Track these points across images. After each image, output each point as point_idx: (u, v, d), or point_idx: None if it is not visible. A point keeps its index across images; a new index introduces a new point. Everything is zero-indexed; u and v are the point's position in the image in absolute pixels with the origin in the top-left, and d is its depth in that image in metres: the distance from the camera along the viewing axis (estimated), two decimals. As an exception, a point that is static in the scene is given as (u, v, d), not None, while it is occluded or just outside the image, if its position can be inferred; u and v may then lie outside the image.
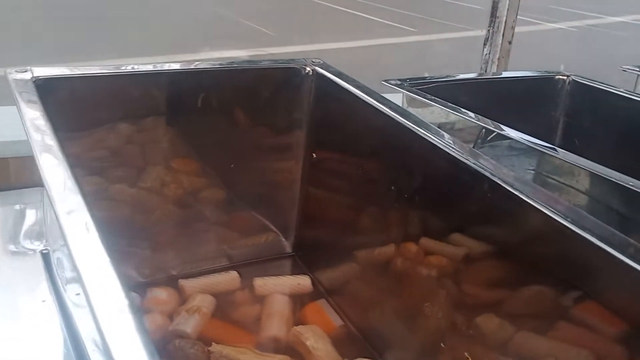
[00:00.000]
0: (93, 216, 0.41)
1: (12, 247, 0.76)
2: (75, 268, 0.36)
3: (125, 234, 0.77)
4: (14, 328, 0.64)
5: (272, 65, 0.78)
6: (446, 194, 0.61)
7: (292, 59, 0.78)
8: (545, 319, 0.52)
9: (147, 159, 0.78)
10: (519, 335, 0.54)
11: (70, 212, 0.41)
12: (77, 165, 0.72)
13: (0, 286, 0.69)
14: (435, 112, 0.84)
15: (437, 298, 0.62)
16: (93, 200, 0.73)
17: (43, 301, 0.66)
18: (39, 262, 0.73)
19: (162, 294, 0.74)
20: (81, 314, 0.56)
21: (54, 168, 0.45)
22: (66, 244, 0.38)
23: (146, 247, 0.79)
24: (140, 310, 0.34)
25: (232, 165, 0.78)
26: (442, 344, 0.60)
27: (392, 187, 0.67)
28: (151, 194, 0.78)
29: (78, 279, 0.35)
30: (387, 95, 0.72)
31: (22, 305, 0.66)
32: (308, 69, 0.77)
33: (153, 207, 0.78)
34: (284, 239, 0.86)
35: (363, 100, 0.71)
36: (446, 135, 0.61)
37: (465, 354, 0.57)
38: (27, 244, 0.77)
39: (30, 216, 0.84)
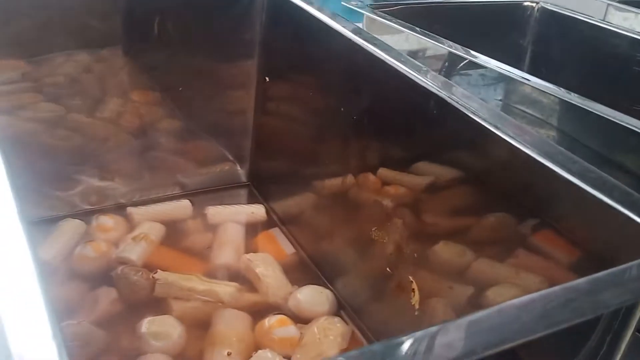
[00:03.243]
0: None
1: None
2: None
3: (75, 162, 0.74)
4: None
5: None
6: (408, 122, 0.59)
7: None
8: (505, 246, 0.51)
9: (105, 89, 0.75)
10: (478, 262, 0.53)
11: None
12: (34, 90, 0.70)
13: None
14: (397, 38, 0.81)
15: (389, 225, 0.60)
16: (47, 128, 0.72)
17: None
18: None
19: (108, 222, 0.71)
20: None
21: None
22: None
23: (95, 175, 0.76)
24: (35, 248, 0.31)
25: (180, 89, 0.75)
26: (388, 269, 0.58)
27: (356, 118, 0.64)
28: (107, 123, 0.75)
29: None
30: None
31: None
32: (259, -16, 0.73)
33: (108, 136, 0.76)
34: (239, 169, 0.84)
35: (319, 21, 0.67)
36: (408, 59, 0.58)
37: (410, 277, 0.55)
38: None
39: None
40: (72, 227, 0.70)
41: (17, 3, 0.65)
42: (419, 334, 0.28)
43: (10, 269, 0.29)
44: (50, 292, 0.29)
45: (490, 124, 0.49)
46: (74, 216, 0.72)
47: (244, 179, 0.85)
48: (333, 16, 0.66)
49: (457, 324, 0.29)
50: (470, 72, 0.84)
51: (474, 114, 0.50)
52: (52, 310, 0.28)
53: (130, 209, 0.75)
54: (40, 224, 0.70)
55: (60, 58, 0.70)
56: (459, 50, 0.78)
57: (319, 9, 0.68)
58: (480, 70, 0.83)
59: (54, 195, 0.73)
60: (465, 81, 0.85)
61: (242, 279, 0.67)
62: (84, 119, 0.74)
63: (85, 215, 0.73)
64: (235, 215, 0.76)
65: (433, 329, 0.29)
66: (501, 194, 0.50)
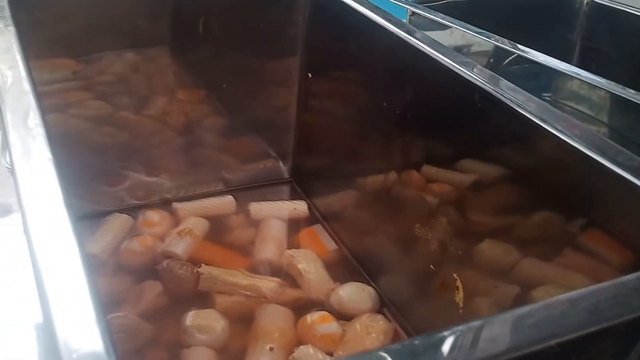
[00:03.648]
0: (49, 139, 0.38)
1: None
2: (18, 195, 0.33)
3: (123, 158, 0.76)
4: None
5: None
6: (453, 118, 0.58)
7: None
8: (552, 245, 0.49)
9: (152, 88, 0.76)
10: (525, 261, 0.52)
11: (22, 132, 0.38)
12: (84, 88, 0.72)
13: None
14: (443, 32, 0.80)
15: (435, 223, 0.60)
16: (96, 125, 0.74)
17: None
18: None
19: (154, 216, 0.73)
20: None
21: (11, 85, 0.42)
22: (13, 168, 0.35)
23: (142, 170, 0.77)
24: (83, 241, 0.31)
25: (224, 86, 0.76)
26: (432, 267, 0.58)
27: (399, 114, 0.63)
28: (154, 121, 0.77)
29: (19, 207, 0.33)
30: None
31: None
32: (303, -19, 0.73)
33: (154, 133, 0.77)
34: (282, 165, 0.84)
35: (362, 16, 0.66)
36: (455, 54, 0.57)
37: (454, 275, 0.55)
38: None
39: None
40: (119, 221, 0.72)
41: (69, 4, 0.66)
42: (462, 327, 0.28)
43: (59, 263, 0.30)
44: (98, 284, 0.29)
45: (537, 117, 0.47)
46: (121, 211, 0.74)
47: (286, 175, 0.85)
48: (377, 11, 0.66)
49: (502, 318, 0.29)
50: (516, 67, 0.82)
51: (521, 107, 0.48)
52: (99, 303, 0.28)
53: (175, 204, 0.76)
54: (89, 218, 0.72)
55: (109, 57, 0.71)
56: (505, 45, 0.77)
57: (363, 4, 0.67)
58: (527, 65, 0.81)
59: (102, 191, 0.75)
60: (511, 76, 0.83)
61: (284, 274, 0.68)
62: (131, 116, 0.76)
63: (132, 210, 0.74)
64: (277, 211, 0.77)
65: (476, 322, 0.28)
66: (548, 191, 0.49)
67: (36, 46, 0.63)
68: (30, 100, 0.40)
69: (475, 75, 0.53)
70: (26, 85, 0.41)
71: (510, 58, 0.81)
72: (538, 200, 0.50)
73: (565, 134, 0.45)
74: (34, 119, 0.39)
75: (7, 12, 0.54)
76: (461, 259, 0.56)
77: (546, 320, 0.28)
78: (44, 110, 0.41)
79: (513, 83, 0.53)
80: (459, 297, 0.55)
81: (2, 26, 0.51)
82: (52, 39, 0.66)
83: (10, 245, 0.68)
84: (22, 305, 0.60)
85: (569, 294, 0.30)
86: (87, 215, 0.72)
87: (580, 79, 0.70)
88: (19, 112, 0.39)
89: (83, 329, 0.26)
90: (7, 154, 0.79)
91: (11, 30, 0.50)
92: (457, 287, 0.55)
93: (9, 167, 0.79)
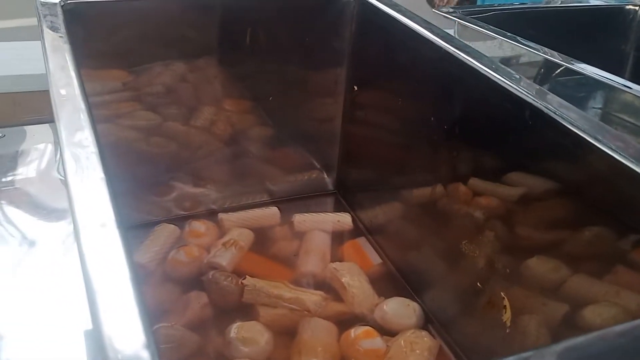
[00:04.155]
0: (101, 152, 0.39)
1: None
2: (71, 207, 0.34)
3: (170, 169, 0.77)
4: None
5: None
6: (500, 132, 0.57)
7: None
8: (603, 262, 0.48)
9: (199, 98, 0.77)
10: (574, 278, 0.50)
11: (75, 148, 0.38)
12: (134, 99, 0.73)
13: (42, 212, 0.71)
14: (490, 44, 0.79)
15: (480, 238, 0.59)
16: (145, 136, 0.75)
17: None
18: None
19: (200, 227, 0.74)
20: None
21: (65, 102, 0.43)
22: (66, 181, 0.36)
23: (189, 181, 0.79)
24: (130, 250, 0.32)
25: (270, 98, 0.76)
26: (478, 284, 0.57)
27: (447, 127, 0.63)
28: (201, 131, 0.78)
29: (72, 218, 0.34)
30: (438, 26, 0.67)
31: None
32: (350, -6, 0.72)
33: (201, 144, 0.78)
34: (326, 177, 0.84)
35: (409, 29, 0.66)
36: (503, 68, 0.56)
37: (502, 294, 0.54)
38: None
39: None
40: (167, 232, 0.73)
41: (121, 16, 0.68)
42: (511, 359, 0.27)
43: (108, 272, 0.30)
44: (145, 294, 0.30)
45: (590, 135, 0.46)
46: (168, 221, 0.75)
47: (330, 187, 0.85)
48: (424, 24, 0.65)
49: (553, 350, 0.28)
50: (566, 79, 0.81)
51: (572, 124, 0.47)
52: (146, 313, 0.28)
53: (221, 215, 0.77)
54: (137, 228, 0.73)
55: (158, 68, 0.72)
56: (554, 57, 0.75)
57: (410, 17, 0.67)
58: (578, 78, 0.80)
59: (150, 201, 0.76)
60: (561, 89, 0.81)
61: (328, 287, 0.67)
62: (179, 127, 0.77)
63: (179, 221, 0.75)
64: (321, 223, 0.77)
65: (526, 354, 0.27)
66: (599, 207, 0.48)
67: (89, 58, 0.65)
68: (84, 118, 0.41)
69: (524, 90, 0.52)
70: (80, 104, 0.42)
71: (560, 70, 0.79)
72: (588, 216, 0.48)
73: (620, 154, 0.43)
74: (87, 136, 0.40)
75: (62, 28, 0.56)
76: (508, 276, 0.55)
77: (600, 355, 0.27)
78: (95, 122, 0.42)
79: (563, 95, 0.52)
80: (506, 316, 0.54)
81: (58, 43, 0.52)
82: (103, 50, 0.68)
83: (62, 252, 0.70)
84: (71, 312, 0.61)
85: (625, 324, 0.29)
86: (135, 225, 0.74)
87: (632, 93, 0.68)
88: (73, 130, 0.40)
89: (130, 338, 0.27)
90: (61, 166, 0.82)
91: (66, 47, 0.51)
92: (505, 306, 0.54)
93: (62, 178, 0.82)
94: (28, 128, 0.93)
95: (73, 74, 0.48)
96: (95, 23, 0.66)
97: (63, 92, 0.44)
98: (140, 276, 0.37)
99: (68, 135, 0.39)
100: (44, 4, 0.58)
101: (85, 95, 0.45)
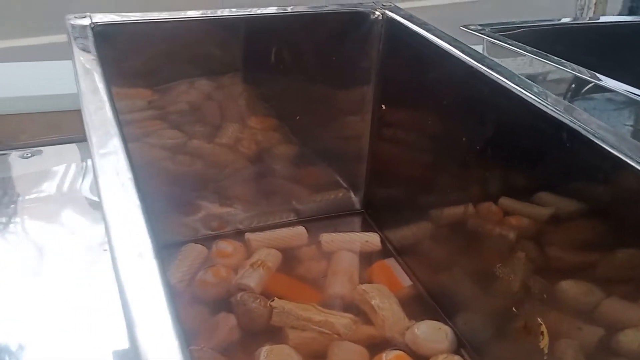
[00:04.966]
0: (135, 178, 0.39)
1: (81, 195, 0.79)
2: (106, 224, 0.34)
3: (197, 188, 0.77)
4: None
5: (337, 10, 0.74)
6: (531, 151, 0.56)
7: (359, 2, 0.73)
8: (637, 285, 0.47)
9: (224, 116, 0.77)
10: (608, 302, 0.49)
11: (110, 176, 0.38)
12: (159, 117, 0.74)
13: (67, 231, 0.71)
14: (519, 61, 0.78)
15: (513, 260, 0.58)
16: (171, 154, 0.75)
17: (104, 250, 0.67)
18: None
19: (227, 247, 0.73)
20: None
21: (97, 121, 0.43)
22: (101, 200, 0.36)
23: (215, 200, 0.78)
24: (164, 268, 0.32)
25: (297, 117, 0.76)
26: (513, 309, 0.55)
27: (479, 147, 0.62)
28: (226, 149, 0.78)
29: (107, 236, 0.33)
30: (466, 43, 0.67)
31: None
32: (377, 12, 0.72)
33: (226, 162, 0.78)
34: (353, 196, 0.84)
35: (438, 47, 0.65)
36: (534, 86, 0.55)
37: (539, 319, 0.52)
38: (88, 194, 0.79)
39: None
40: (195, 252, 0.72)
41: (149, 36, 0.68)
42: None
43: (144, 294, 0.30)
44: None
45: (626, 155, 0.45)
46: (196, 241, 0.74)
47: (358, 206, 0.84)
48: (453, 42, 0.65)
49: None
50: (596, 96, 0.79)
51: (608, 144, 0.46)
52: (182, 334, 0.28)
53: (248, 235, 0.76)
54: (166, 248, 0.73)
55: (183, 86, 0.73)
56: (583, 74, 0.74)
57: (439, 36, 0.66)
58: (608, 94, 0.78)
59: (178, 221, 0.76)
60: (591, 105, 0.80)
61: (357, 309, 0.66)
62: (204, 145, 0.77)
63: (206, 241, 0.75)
64: (349, 243, 0.76)
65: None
66: (634, 228, 0.46)
67: (117, 77, 0.65)
68: (117, 143, 0.41)
69: (554, 108, 0.51)
70: (113, 128, 0.42)
71: (590, 86, 0.78)
72: (622, 237, 0.47)
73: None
74: (121, 161, 0.40)
75: (93, 50, 0.56)
76: (545, 300, 0.53)
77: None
78: (126, 141, 0.42)
79: (593, 112, 0.51)
80: (544, 342, 0.52)
81: (89, 65, 0.53)
82: (131, 70, 0.68)
83: (85, 268, 0.70)
84: (98, 331, 0.61)
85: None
86: (164, 246, 0.73)
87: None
88: (106, 154, 0.40)
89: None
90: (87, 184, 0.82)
91: (97, 69, 0.51)
92: (542, 332, 0.52)
93: (88, 197, 0.82)
94: (55, 148, 0.93)
95: (105, 97, 0.48)
96: (124, 44, 0.66)
97: (95, 116, 0.44)
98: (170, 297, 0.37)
99: (102, 160, 0.39)
100: (74, 27, 0.58)
101: (118, 117, 0.45)
